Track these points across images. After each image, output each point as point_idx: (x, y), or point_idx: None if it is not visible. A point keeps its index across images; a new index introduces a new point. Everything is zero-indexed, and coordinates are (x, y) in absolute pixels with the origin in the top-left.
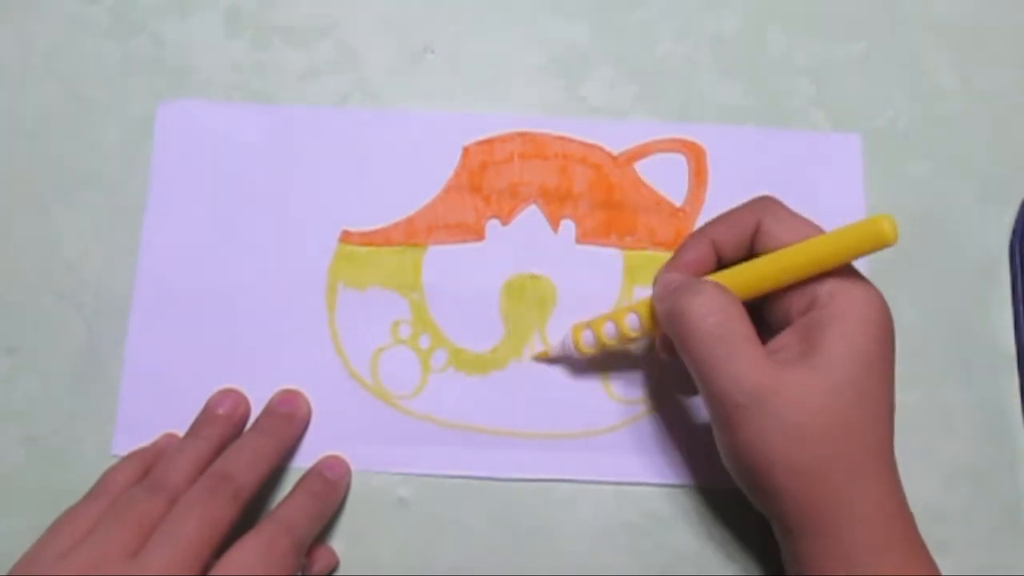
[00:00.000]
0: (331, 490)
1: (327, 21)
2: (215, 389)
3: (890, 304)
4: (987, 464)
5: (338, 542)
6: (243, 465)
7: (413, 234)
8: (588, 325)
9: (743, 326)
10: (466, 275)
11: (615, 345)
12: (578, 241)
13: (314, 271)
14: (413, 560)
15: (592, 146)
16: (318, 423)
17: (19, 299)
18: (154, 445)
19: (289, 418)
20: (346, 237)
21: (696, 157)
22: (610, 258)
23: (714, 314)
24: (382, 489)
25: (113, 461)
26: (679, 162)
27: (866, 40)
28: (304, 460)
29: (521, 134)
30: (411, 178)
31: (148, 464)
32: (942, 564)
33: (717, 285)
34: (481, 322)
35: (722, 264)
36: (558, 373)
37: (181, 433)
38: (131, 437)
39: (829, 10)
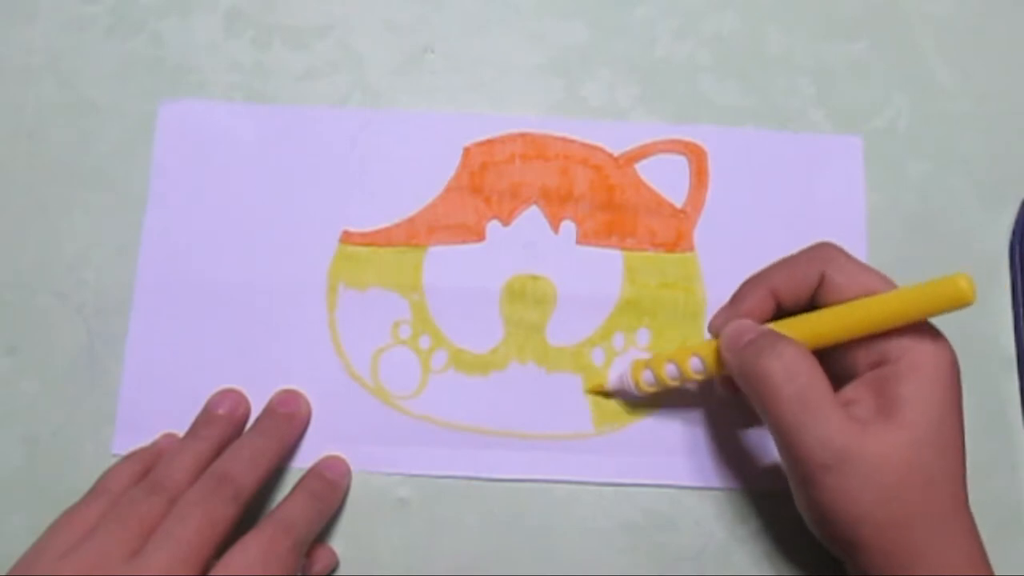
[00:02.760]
0: (331, 490)
1: (327, 21)
2: (215, 389)
3: None
4: (987, 464)
5: (338, 542)
6: (243, 465)
7: (414, 235)
8: (648, 364)
9: (824, 388)
10: (467, 276)
11: (677, 385)
12: (579, 242)
13: (315, 271)
14: (413, 560)
15: (593, 147)
16: (318, 423)
17: (19, 299)
18: (154, 445)
19: (289, 418)
20: (347, 237)
21: (697, 158)
22: (611, 259)
23: (797, 378)
24: (382, 489)
25: (113, 461)
26: (680, 163)
27: (866, 40)
28: (304, 460)
29: (522, 135)
30: (412, 179)
31: (148, 464)
32: None
33: (797, 346)
34: (481, 323)
35: (780, 312)
36: (559, 374)
37: (181, 433)
38: (131, 437)
39: (829, 10)
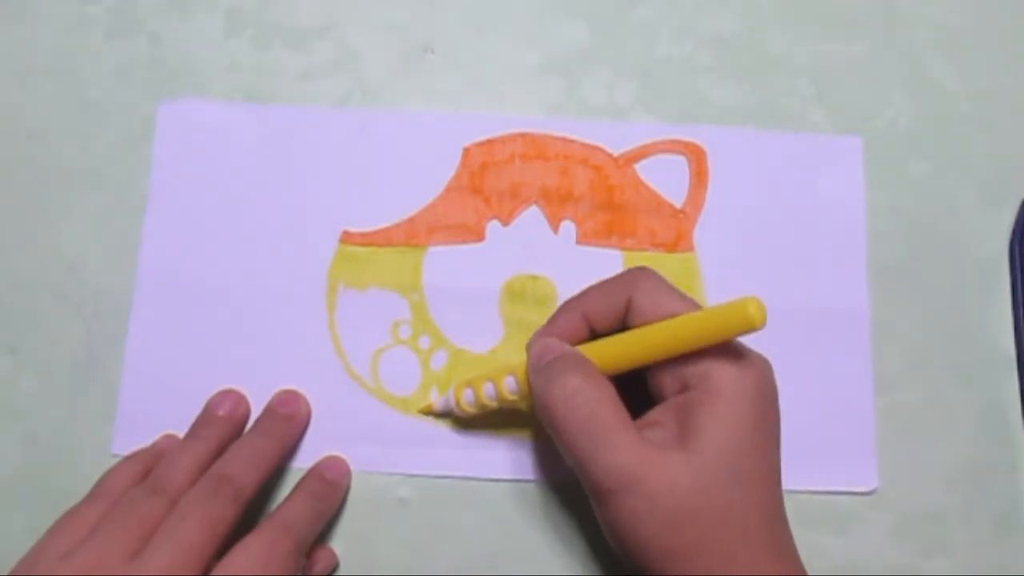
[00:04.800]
0: (331, 491)
1: (327, 21)
2: (215, 389)
3: (890, 304)
4: (987, 464)
5: (338, 542)
6: (243, 466)
7: (413, 235)
8: (469, 383)
9: (612, 414)
10: (466, 276)
11: (496, 406)
12: (578, 242)
13: (314, 271)
14: (413, 560)
15: (593, 147)
16: (318, 423)
17: (19, 299)
18: (154, 446)
19: (289, 419)
20: (346, 237)
21: (697, 158)
22: (610, 259)
23: (581, 408)
24: (382, 489)
25: (113, 461)
26: (680, 163)
27: (866, 40)
28: (304, 460)
29: (522, 135)
30: (412, 179)
31: (148, 465)
32: (942, 564)
33: (585, 373)
34: (481, 323)
35: (595, 335)
36: None
37: (181, 433)
38: (131, 437)
39: (829, 10)
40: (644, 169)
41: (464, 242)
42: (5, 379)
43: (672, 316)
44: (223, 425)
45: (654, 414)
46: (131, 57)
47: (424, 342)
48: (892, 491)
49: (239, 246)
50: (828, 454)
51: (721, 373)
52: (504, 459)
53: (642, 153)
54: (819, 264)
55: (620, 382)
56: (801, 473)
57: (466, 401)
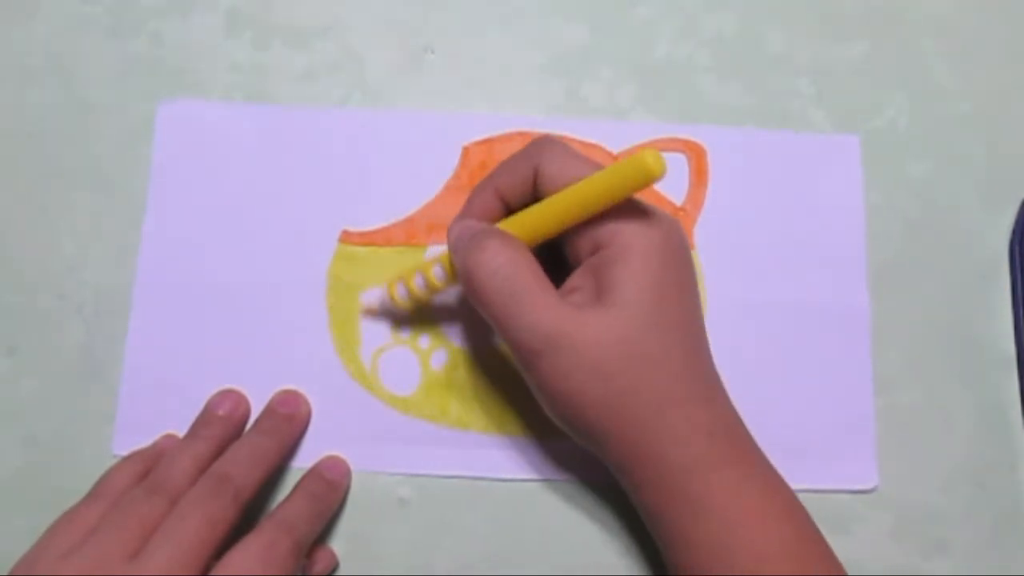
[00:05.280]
0: (331, 491)
1: (327, 21)
2: (215, 389)
3: (890, 304)
4: (987, 464)
5: (338, 542)
6: (243, 466)
7: (413, 234)
8: (400, 278)
9: (531, 276)
10: None
11: (427, 296)
12: None
13: (314, 271)
14: (413, 560)
15: (593, 146)
16: (318, 424)
17: (19, 299)
18: (154, 446)
19: (289, 419)
20: (346, 237)
21: (697, 157)
22: None
23: (500, 270)
24: (382, 489)
25: (113, 461)
26: (679, 162)
27: (866, 40)
28: (304, 460)
29: (521, 134)
30: (411, 178)
31: (148, 465)
32: (942, 564)
33: (503, 237)
34: (481, 322)
35: (510, 211)
36: None
37: (181, 433)
38: (131, 437)
39: (829, 10)
40: None
41: None
42: (5, 379)
43: (579, 179)
44: (223, 425)
45: (572, 280)
46: (131, 57)
47: (424, 341)
48: (892, 491)
49: (239, 246)
50: (828, 453)
51: (632, 229)
52: (505, 459)
53: None
54: (819, 263)
55: (542, 260)
56: (801, 472)
57: (399, 295)
